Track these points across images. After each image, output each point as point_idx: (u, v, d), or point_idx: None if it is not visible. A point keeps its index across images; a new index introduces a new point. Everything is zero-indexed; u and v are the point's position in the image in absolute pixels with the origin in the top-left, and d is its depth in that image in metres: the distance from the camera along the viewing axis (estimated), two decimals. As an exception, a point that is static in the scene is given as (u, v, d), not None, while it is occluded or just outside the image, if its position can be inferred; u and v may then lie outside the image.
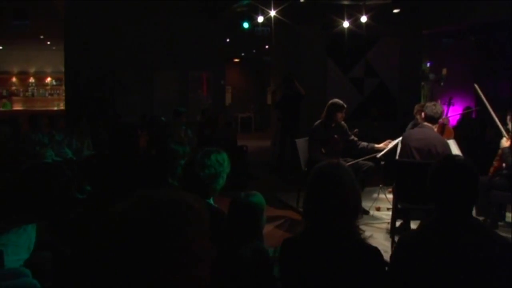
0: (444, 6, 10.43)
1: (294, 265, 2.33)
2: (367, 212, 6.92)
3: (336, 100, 7.16)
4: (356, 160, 6.99)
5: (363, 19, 9.24)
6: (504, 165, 6.10)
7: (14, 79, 15.68)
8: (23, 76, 16.37)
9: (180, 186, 3.56)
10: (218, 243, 2.81)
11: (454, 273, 2.20)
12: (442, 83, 8.34)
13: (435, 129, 5.68)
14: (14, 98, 16.12)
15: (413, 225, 5.92)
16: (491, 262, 2.19)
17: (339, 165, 2.39)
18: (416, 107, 8.00)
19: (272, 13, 8.76)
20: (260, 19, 9.12)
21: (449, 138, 7.41)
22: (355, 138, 7.26)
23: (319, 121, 7.18)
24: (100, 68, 10.27)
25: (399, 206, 5.58)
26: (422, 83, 13.95)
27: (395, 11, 9.10)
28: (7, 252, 3.42)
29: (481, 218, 6.28)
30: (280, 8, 8.66)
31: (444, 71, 8.81)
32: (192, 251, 1.10)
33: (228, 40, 13.18)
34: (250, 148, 12.83)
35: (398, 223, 5.96)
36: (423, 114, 5.75)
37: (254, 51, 15.47)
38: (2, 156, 5.85)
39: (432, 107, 5.65)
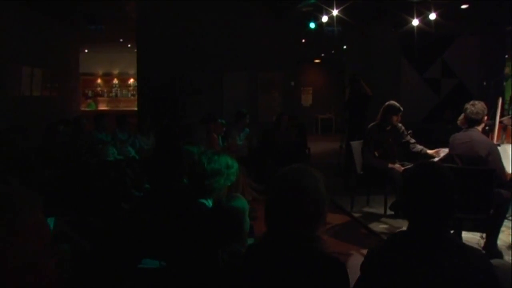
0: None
1: (252, 272, 2.24)
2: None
3: (392, 102, 6.87)
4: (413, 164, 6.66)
5: (432, 16, 8.74)
6: None
7: (99, 81, 16.51)
8: (107, 77, 17.22)
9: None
10: (198, 245, 2.79)
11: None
12: (504, 83, 7.70)
13: (480, 129, 5.24)
14: (99, 98, 17.01)
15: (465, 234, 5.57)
16: (462, 282, 1.98)
17: (303, 169, 2.25)
18: None
19: (335, 12, 8.54)
20: (325, 18, 8.93)
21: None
22: (411, 140, 6.90)
23: (373, 123, 6.93)
24: (171, 70, 10.55)
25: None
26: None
27: (463, 6, 8.53)
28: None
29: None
30: (342, 7, 8.41)
31: (507, 69, 8.11)
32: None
33: (303, 40, 13.07)
34: (324, 150, 12.64)
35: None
36: (462, 116, 5.32)
37: (332, 51, 15.19)
38: (57, 153, 6.15)
39: (471, 107, 5.20)
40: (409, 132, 7.00)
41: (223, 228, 2.78)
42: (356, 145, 7.20)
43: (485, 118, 5.27)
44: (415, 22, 9.13)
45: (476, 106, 5.20)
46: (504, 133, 7.08)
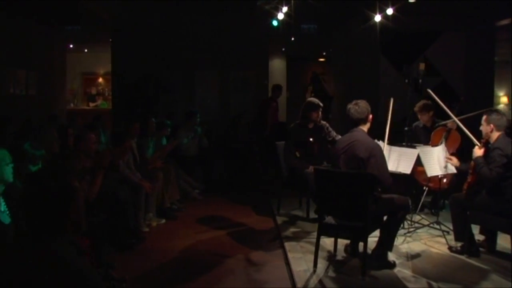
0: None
1: None
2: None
3: (311, 99, 6.67)
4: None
5: (389, 11, 8.29)
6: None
7: (100, 80, 16.76)
8: (108, 76, 17.17)
9: None
10: None
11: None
12: (420, 80, 7.22)
13: (365, 130, 4.92)
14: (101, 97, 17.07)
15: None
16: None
17: None
18: (417, 105, 7.10)
19: (284, 9, 8.29)
20: (280, 16, 8.69)
21: (454, 146, 6.48)
22: (337, 138, 6.54)
23: (295, 122, 6.69)
24: (144, 68, 10.62)
25: (325, 221, 4.94)
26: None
27: (411, 0, 8.02)
28: None
29: (459, 245, 5.37)
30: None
31: (422, 66, 7.55)
32: None
33: (292, 39, 12.85)
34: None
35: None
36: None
37: (331, 50, 14.77)
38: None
39: (354, 107, 4.88)
40: (329, 131, 6.67)
41: None
42: (281, 146, 6.95)
43: (370, 117, 4.95)
44: (378, 18, 8.72)
45: (360, 105, 4.90)
46: (448, 136, 6.65)
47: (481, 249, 5.43)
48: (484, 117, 5.21)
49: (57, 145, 4.85)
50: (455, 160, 5.74)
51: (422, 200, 6.73)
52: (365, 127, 4.93)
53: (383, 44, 10.70)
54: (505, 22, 10.47)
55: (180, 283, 4.68)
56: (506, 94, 16.21)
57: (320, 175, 4.85)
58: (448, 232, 5.90)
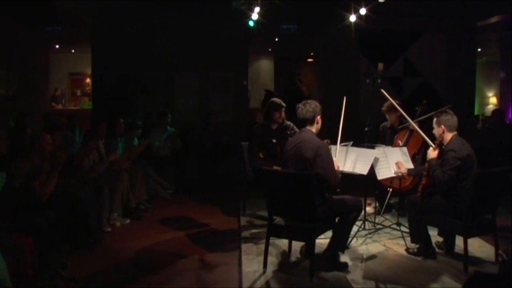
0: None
1: None
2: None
3: (274, 99, 6.59)
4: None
5: (362, 11, 8.26)
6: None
7: (88, 80, 16.72)
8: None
9: None
10: None
11: None
12: (379, 80, 7.21)
13: (314, 130, 4.89)
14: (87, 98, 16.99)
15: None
16: None
17: None
18: (385, 105, 7.03)
19: (257, 9, 8.28)
20: (255, 16, 8.68)
21: (415, 147, 6.45)
22: None
23: (259, 123, 6.65)
24: (124, 69, 10.62)
25: (275, 222, 4.92)
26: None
27: (381, 0, 7.96)
28: None
29: (416, 247, 5.35)
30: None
31: (381, 66, 7.53)
32: None
33: (276, 39, 12.85)
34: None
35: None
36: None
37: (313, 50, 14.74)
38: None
39: (301, 107, 4.86)
40: (294, 132, 6.61)
41: None
42: (246, 146, 6.93)
43: (318, 118, 4.92)
44: (353, 18, 8.70)
45: (307, 106, 4.88)
46: (410, 137, 6.61)
47: (439, 250, 5.43)
48: (434, 120, 5.18)
49: (4, 145, 4.85)
50: (403, 168, 5.69)
51: (386, 201, 6.71)
52: (313, 128, 4.91)
53: (363, 44, 10.69)
54: (492, 20, 10.43)
55: (128, 283, 4.67)
56: (495, 95, 16.15)
57: (267, 176, 4.84)
58: (408, 234, 5.88)
